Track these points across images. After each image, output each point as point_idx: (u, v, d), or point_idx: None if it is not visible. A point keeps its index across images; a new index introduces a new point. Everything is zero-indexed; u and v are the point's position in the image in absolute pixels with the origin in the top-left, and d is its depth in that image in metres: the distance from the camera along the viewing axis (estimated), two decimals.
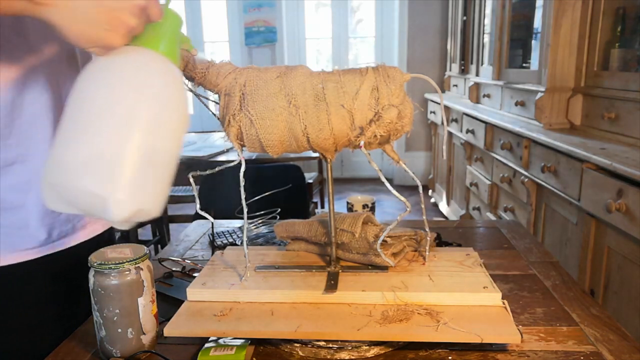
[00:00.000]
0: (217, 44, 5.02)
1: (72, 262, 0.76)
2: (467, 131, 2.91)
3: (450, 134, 3.35)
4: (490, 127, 2.52)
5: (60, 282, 0.77)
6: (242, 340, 0.65)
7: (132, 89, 0.54)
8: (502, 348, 0.66)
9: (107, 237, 0.86)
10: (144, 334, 0.66)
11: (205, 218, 0.78)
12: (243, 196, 0.75)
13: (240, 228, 1.17)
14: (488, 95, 2.86)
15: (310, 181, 2.72)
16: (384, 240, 0.76)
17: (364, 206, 1.13)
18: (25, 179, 0.69)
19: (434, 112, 4.00)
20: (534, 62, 2.27)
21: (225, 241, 1.08)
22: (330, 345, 0.66)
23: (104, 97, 0.53)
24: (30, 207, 0.71)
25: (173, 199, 3.05)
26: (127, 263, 0.63)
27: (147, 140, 0.53)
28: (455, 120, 3.20)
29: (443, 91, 4.07)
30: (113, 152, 0.51)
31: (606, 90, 1.84)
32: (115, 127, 0.52)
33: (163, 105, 0.55)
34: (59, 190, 0.53)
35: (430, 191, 4.16)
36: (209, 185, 2.03)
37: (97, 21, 0.50)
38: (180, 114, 0.58)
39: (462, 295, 0.70)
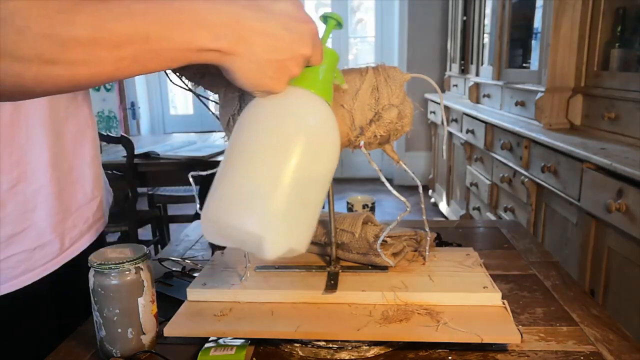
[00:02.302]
0: None
1: (76, 267, 0.75)
2: (467, 131, 2.91)
3: (450, 134, 3.35)
4: (490, 127, 2.52)
5: (66, 290, 0.77)
6: (242, 340, 0.65)
7: (288, 130, 0.55)
8: (502, 348, 0.66)
9: (103, 239, 0.86)
10: (144, 334, 0.66)
11: None
12: None
13: None
14: (488, 95, 2.86)
15: None
16: (384, 240, 0.76)
17: (364, 206, 1.13)
18: (29, 197, 0.69)
19: (434, 112, 4.00)
20: (534, 62, 2.27)
21: None
22: (330, 345, 0.66)
23: (261, 137, 0.55)
24: (40, 223, 0.70)
25: (173, 199, 3.05)
26: (127, 263, 0.63)
27: (301, 181, 0.54)
28: (455, 120, 3.20)
29: (443, 91, 4.08)
30: (269, 193, 0.53)
31: (606, 90, 1.84)
32: (271, 168, 0.54)
33: (316, 147, 0.56)
34: (217, 226, 0.54)
35: (430, 191, 4.16)
36: (209, 185, 2.03)
37: (266, 70, 0.52)
38: (330, 155, 0.58)
39: (462, 295, 0.70)
